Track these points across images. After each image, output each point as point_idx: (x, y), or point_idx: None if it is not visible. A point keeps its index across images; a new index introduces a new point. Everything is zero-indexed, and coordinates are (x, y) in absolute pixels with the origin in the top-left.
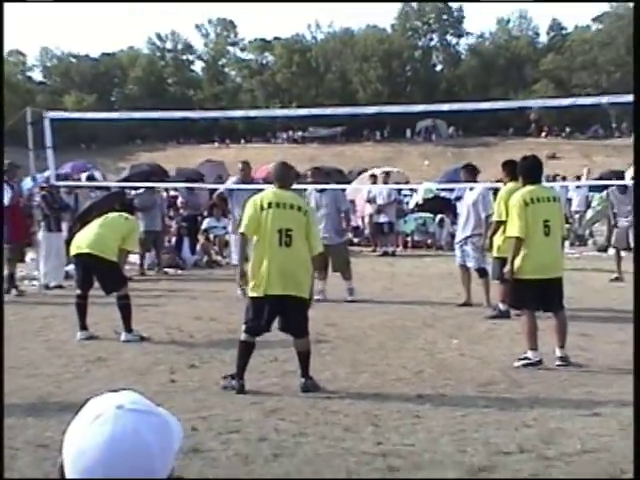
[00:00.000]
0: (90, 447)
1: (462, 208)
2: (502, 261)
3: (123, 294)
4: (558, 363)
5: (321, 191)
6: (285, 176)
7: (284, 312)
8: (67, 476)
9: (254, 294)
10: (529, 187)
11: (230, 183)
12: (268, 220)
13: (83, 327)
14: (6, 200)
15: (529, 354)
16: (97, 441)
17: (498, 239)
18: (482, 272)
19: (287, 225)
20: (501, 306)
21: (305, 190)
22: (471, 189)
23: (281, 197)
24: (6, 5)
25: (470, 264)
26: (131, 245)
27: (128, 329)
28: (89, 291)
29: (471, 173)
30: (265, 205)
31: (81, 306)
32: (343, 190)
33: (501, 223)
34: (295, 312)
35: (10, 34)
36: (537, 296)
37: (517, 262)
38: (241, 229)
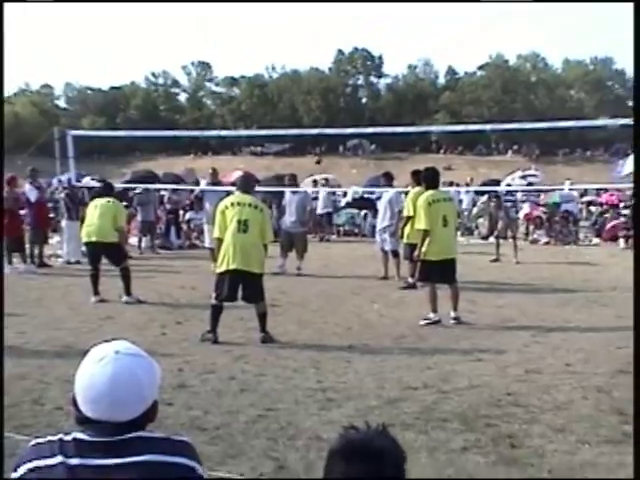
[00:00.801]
0: (97, 382)
1: (380, 205)
2: (410, 246)
3: (124, 266)
4: (452, 322)
5: (293, 192)
6: (246, 184)
7: (242, 284)
8: (79, 405)
9: (219, 270)
10: (431, 191)
11: (203, 185)
12: (231, 214)
13: (96, 293)
14: (33, 197)
15: (431, 315)
16: (102, 377)
17: (407, 229)
18: (395, 253)
19: (245, 217)
20: (410, 280)
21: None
22: (387, 191)
23: (242, 199)
24: (41, 45)
25: (387, 247)
26: (122, 220)
27: (128, 293)
28: (99, 265)
29: (388, 178)
30: (229, 205)
31: (94, 277)
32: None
33: (409, 218)
34: (250, 283)
35: (43, 73)
36: (438, 272)
37: (424, 248)
38: (215, 234)
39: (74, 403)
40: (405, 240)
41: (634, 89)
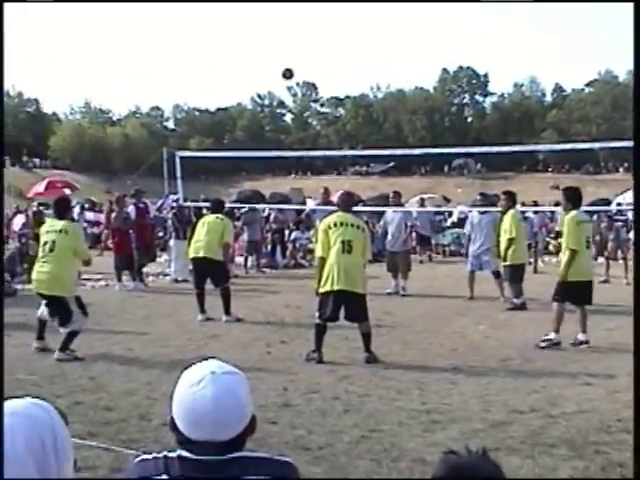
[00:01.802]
0: (199, 404)
1: (478, 226)
2: (513, 267)
3: (226, 286)
4: (584, 345)
5: (394, 211)
6: (348, 202)
7: (346, 304)
8: (180, 428)
9: (323, 290)
10: (575, 211)
11: (312, 205)
12: (335, 235)
13: (202, 311)
14: (133, 216)
15: (552, 335)
16: (203, 399)
17: (510, 251)
18: (497, 274)
19: (348, 237)
20: (515, 300)
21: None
22: (484, 212)
23: (344, 218)
24: (151, 68)
25: (488, 269)
26: (228, 237)
27: (227, 313)
28: (204, 284)
29: (485, 199)
30: (332, 225)
31: (200, 296)
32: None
33: (512, 240)
34: (354, 303)
35: (153, 96)
36: (578, 293)
37: (572, 269)
38: (318, 253)
39: (173, 426)
40: (509, 262)
41: (634, 91)
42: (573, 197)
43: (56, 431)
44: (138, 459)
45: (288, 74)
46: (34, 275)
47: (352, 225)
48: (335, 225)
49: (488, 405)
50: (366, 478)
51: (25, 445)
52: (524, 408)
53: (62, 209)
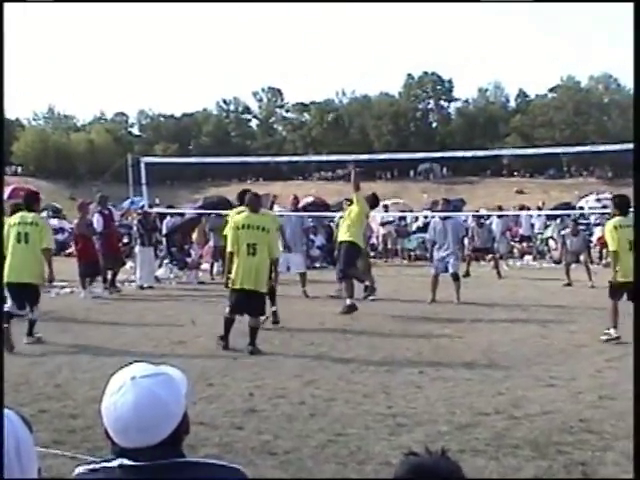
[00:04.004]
0: (120, 412)
1: (441, 231)
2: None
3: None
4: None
5: (445, 218)
6: (256, 204)
7: (249, 300)
8: (112, 436)
9: (232, 287)
10: (618, 217)
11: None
12: (242, 237)
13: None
14: (99, 227)
15: (611, 331)
16: (124, 407)
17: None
18: (456, 277)
19: (253, 241)
20: (348, 301)
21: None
22: (445, 218)
23: (251, 220)
24: (115, 73)
25: (451, 270)
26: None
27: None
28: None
29: (447, 204)
30: (240, 226)
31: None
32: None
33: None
34: (255, 300)
35: (117, 101)
36: (625, 291)
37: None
38: (228, 249)
39: (107, 436)
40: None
41: (634, 92)
42: (621, 204)
43: (19, 439)
44: (76, 472)
45: None
46: (7, 265)
47: (257, 227)
48: (243, 227)
49: (453, 408)
50: None
51: None
52: (489, 410)
53: (32, 202)
